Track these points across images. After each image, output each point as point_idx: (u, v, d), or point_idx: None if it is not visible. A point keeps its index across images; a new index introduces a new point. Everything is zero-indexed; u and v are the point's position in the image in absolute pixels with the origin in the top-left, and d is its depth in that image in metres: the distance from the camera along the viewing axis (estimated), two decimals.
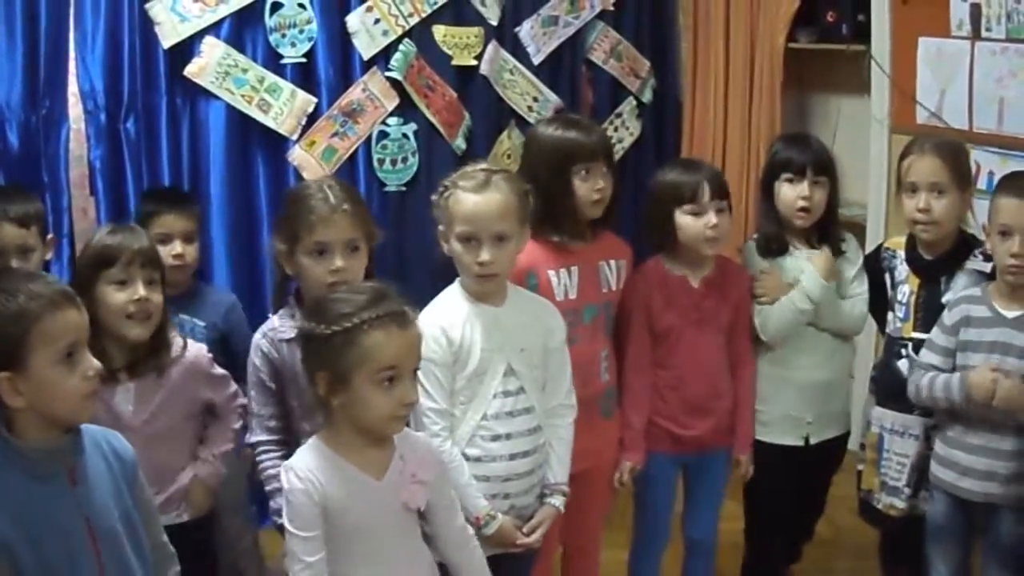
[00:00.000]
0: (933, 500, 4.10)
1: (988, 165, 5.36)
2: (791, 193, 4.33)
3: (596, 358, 4.15)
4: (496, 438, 3.67)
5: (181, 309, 4.30)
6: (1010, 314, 3.84)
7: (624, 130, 6.73)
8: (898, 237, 4.42)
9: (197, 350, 3.76)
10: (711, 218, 4.11)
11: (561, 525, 4.08)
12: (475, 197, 3.61)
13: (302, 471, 3.04)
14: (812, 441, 4.43)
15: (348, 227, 3.56)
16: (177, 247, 4.38)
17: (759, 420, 4.43)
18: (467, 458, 3.65)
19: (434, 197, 3.75)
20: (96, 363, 2.76)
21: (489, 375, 3.67)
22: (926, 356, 4.03)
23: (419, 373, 3.49)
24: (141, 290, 3.51)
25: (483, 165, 3.80)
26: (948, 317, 3.99)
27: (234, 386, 3.83)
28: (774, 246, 4.39)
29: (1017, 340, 3.80)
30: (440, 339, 3.61)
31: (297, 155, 5.50)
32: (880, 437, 4.29)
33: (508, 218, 3.63)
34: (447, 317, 3.67)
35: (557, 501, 3.82)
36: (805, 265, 4.34)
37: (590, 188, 4.04)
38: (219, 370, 3.82)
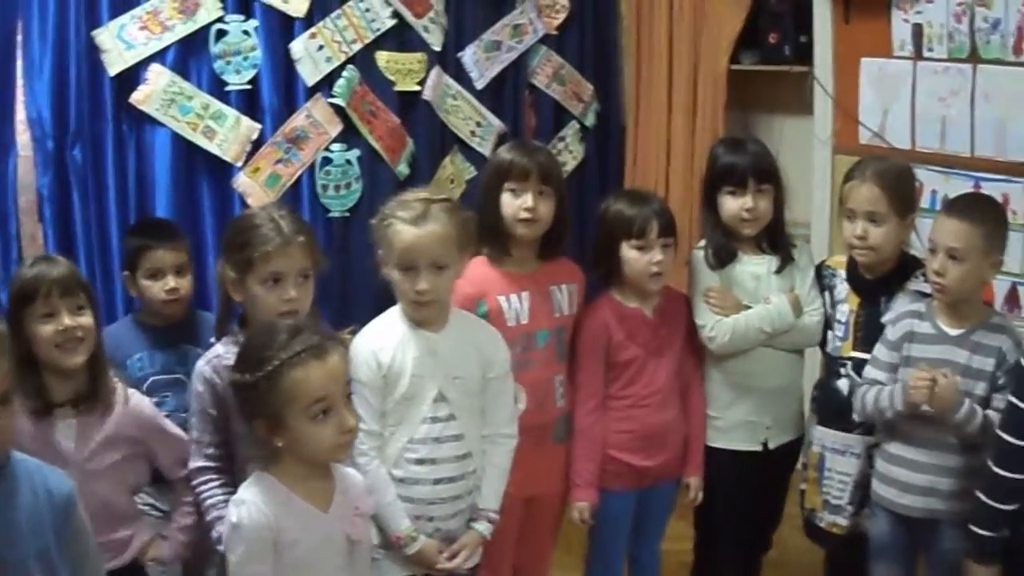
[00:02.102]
0: (875, 517, 4.20)
1: (931, 184, 5.56)
2: (734, 204, 4.39)
3: (551, 383, 4.25)
4: (421, 462, 3.74)
5: (181, 338, 4.43)
6: (953, 332, 3.96)
7: (567, 154, 6.89)
8: (839, 256, 4.53)
9: (139, 399, 3.81)
10: (656, 255, 4.20)
11: (512, 549, 4.22)
12: (413, 230, 3.69)
13: (253, 505, 3.11)
14: (771, 446, 4.50)
15: (302, 256, 3.63)
16: (170, 282, 4.44)
17: (716, 427, 4.50)
18: (393, 479, 3.72)
19: (372, 222, 3.84)
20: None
21: (419, 400, 3.74)
22: (870, 372, 4.14)
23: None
24: (66, 319, 3.54)
25: (422, 193, 3.86)
26: (892, 332, 4.10)
27: (182, 451, 3.77)
28: (723, 255, 4.44)
29: (959, 357, 3.92)
30: (370, 362, 3.71)
31: (242, 182, 5.61)
32: (821, 456, 4.38)
33: (446, 247, 3.72)
34: (379, 340, 3.76)
35: (482, 527, 3.87)
36: (774, 291, 4.43)
37: (518, 206, 4.12)
38: (168, 427, 3.86)
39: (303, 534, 3.14)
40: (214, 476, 3.61)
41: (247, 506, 3.11)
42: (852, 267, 4.41)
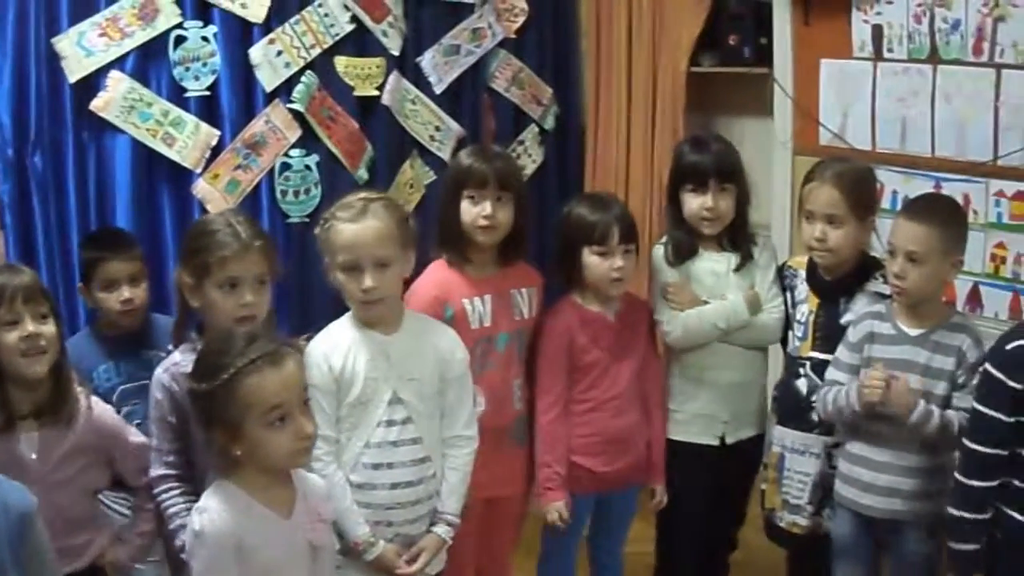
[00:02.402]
0: (837, 518, 4.26)
1: (892, 184, 5.64)
2: (695, 203, 4.48)
3: (510, 386, 4.33)
4: (378, 466, 3.78)
5: (141, 344, 4.48)
6: (913, 332, 4.01)
7: (527, 157, 6.94)
8: (800, 256, 4.60)
9: (102, 408, 3.84)
10: (617, 261, 4.27)
11: (473, 551, 4.26)
12: (353, 226, 3.74)
13: (216, 512, 3.14)
14: (728, 440, 4.59)
15: (259, 262, 3.69)
16: (124, 292, 4.47)
17: (675, 420, 4.59)
18: (351, 484, 3.76)
19: (316, 231, 3.90)
20: None
21: (373, 403, 3.78)
22: (832, 374, 4.20)
23: None
24: (29, 326, 3.54)
25: (362, 194, 3.93)
26: (853, 334, 4.16)
27: (144, 459, 3.79)
28: (683, 251, 4.54)
29: (919, 357, 3.97)
30: (322, 366, 3.74)
31: (201, 188, 5.62)
32: (781, 456, 4.46)
33: (388, 243, 3.76)
34: (331, 344, 3.81)
35: (442, 531, 3.91)
36: (733, 288, 4.53)
37: (477, 213, 4.20)
38: (130, 435, 3.88)
39: (265, 541, 3.17)
40: (175, 484, 3.66)
41: (209, 513, 3.14)
42: (811, 268, 4.49)
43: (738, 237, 4.59)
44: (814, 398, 4.31)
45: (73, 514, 3.71)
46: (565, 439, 4.36)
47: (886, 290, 4.19)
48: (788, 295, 4.56)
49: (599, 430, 4.38)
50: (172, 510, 3.63)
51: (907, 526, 4.04)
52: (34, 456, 3.58)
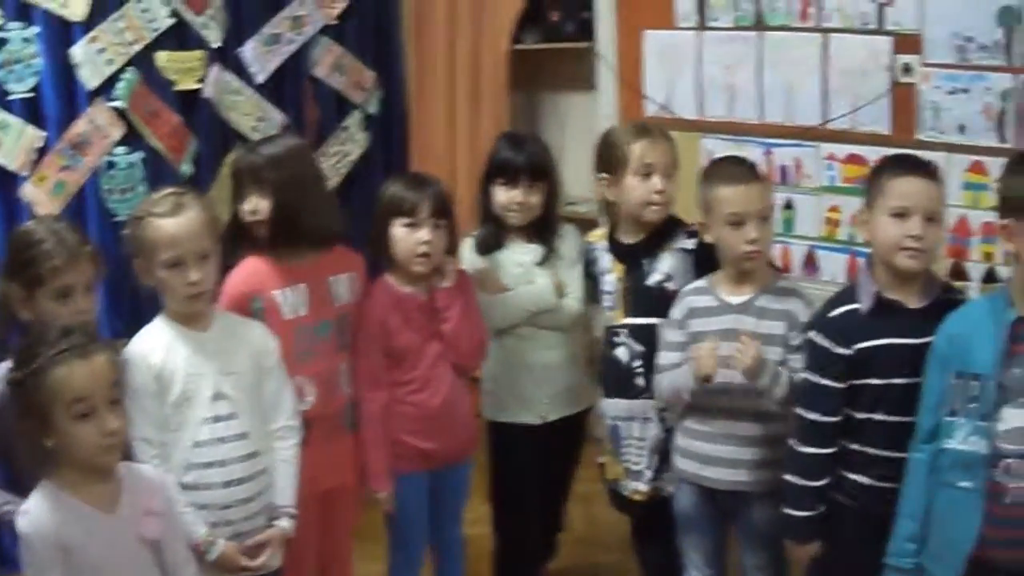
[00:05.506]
0: (680, 490, 4.36)
1: (721, 152, 5.76)
2: (505, 196, 4.70)
3: (336, 372, 4.41)
4: (209, 464, 3.82)
5: None
6: (736, 300, 4.14)
7: (352, 143, 7.05)
8: (597, 230, 4.83)
9: None
10: (424, 234, 4.35)
11: (314, 544, 4.36)
12: (175, 220, 3.79)
13: (36, 514, 3.19)
14: (550, 418, 4.81)
15: (88, 268, 3.81)
16: None
17: (497, 403, 4.85)
18: (184, 486, 3.76)
19: (125, 232, 3.95)
20: None
21: (196, 400, 3.83)
22: (664, 357, 4.30)
23: (127, 402, 3.64)
24: None
25: (168, 190, 3.97)
26: (676, 312, 4.28)
27: None
28: (490, 243, 4.79)
29: (745, 325, 4.08)
30: (141, 366, 3.77)
31: (29, 191, 5.67)
32: (614, 427, 4.63)
33: (207, 235, 3.85)
34: (148, 344, 3.85)
35: (285, 524, 3.98)
36: (538, 273, 4.75)
37: None
38: None
39: (89, 538, 3.24)
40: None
41: (30, 516, 3.21)
42: (612, 236, 4.70)
43: (545, 232, 4.80)
44: (636, 363, 4.53)
45: None
46: (386, 423, 4.47)
47: (689, 245, 4.46)
48: (593, 269, 4.75)
49: (420, 410, 4.49)
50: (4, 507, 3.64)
51: (752, 496, 4.15)
52: None
